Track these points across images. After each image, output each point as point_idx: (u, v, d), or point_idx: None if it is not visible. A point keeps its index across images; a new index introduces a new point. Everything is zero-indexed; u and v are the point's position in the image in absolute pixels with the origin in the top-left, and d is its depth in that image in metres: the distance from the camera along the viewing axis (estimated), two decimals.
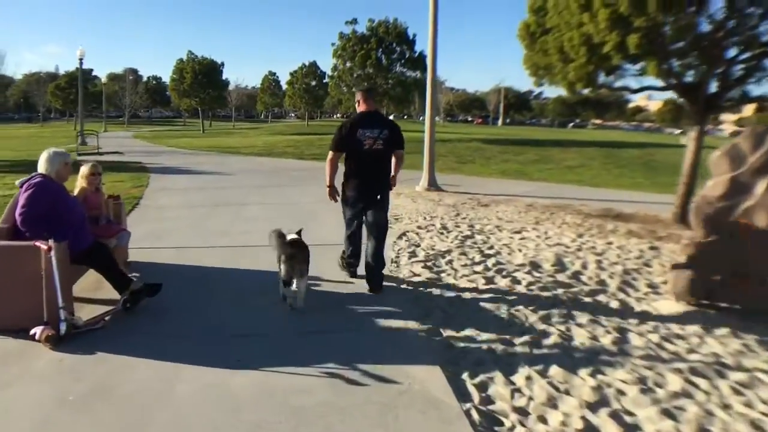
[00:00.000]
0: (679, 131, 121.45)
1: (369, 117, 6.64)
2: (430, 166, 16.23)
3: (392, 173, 6.88)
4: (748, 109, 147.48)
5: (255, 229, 10.12)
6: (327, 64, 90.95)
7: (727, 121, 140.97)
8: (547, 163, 25.12)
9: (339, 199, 6.90)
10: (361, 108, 6.76)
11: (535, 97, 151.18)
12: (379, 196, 6.70)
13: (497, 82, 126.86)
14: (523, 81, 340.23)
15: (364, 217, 6.82)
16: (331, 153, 6.67)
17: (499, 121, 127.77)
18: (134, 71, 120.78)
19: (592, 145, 34.69)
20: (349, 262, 7.19)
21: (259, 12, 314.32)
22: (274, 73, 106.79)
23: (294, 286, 5.97)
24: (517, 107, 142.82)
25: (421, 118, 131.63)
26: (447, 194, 15.27)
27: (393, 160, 6.82)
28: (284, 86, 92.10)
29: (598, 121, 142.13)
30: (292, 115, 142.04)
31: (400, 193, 14.83)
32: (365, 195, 6.68)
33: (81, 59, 38.56)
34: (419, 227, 10.72)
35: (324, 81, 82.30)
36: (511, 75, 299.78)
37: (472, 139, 36.74)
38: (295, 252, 6.00)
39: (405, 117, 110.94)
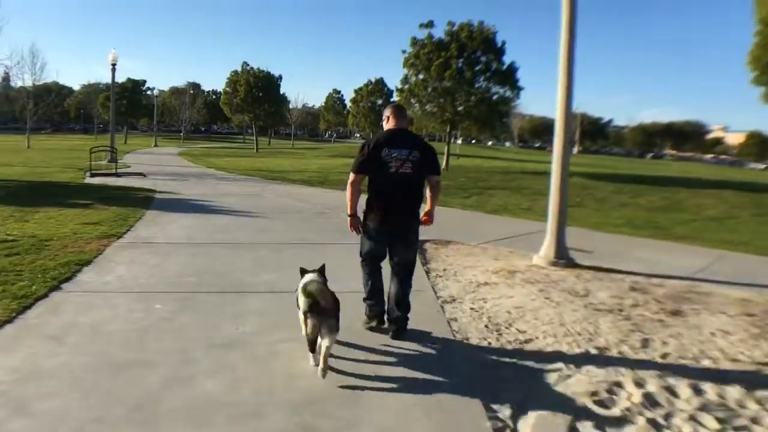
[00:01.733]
0: (764, 166, 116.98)
1: (396, 135, 5.79)
2: (559, 226, 10.13)
3: (427, 208, 5.97)
4: None
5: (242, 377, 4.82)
6: (395, 80, 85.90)
7: None
8: (680, 211, 18.93)
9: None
10: (388, 125, 5.91)
11: (606, 125, 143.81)
12: (406, 231, 5.85)
13: (572, 108, 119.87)
14: (598, 107, 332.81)
15: (388, 256, 5.94)
16: (352, 175, 5.86)
17: (575, 149, 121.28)
18: (196, 86, 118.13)
19: (712, 186, 27.98)
20: (371, 306, 6.07)
21: (328, 29, 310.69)
22: (339, 91, 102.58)
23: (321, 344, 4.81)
24: (592, 135, 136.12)
25: (501, 143, 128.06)
26: (588, 274, 9.30)
27: (428, 190, 5.92)
28: (348, 105, 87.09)
29: (672, 152, 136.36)
30: (357, 135, 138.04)
31: (514, 271, 9.20)
32: (390, 228, 5.80)
33: (114, 64, 33.67)
34: (599, 401, 4.70)
35: (391, 99, 77.29)
36: (586, 100, 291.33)
37: (570, 173, 30.28)
38: (321, 303, 4.84)
39: (473, 141, 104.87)
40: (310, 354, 5.01)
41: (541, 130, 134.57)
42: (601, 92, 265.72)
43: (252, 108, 59.22)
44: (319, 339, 4.87)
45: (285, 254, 9.69)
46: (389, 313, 5.98)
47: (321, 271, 5.49)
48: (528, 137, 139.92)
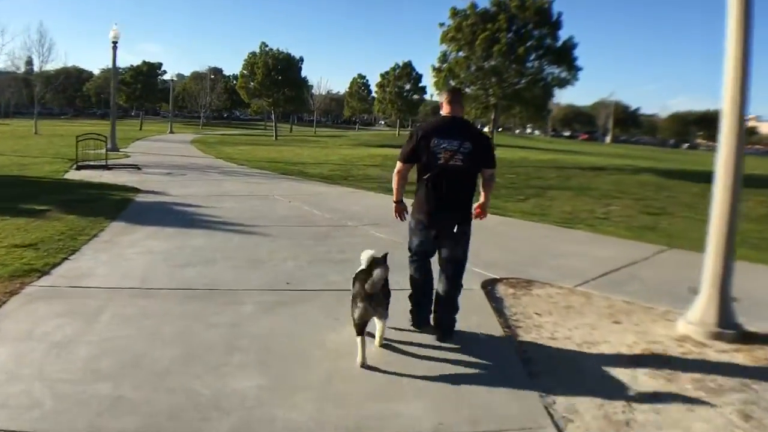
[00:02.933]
0: None
1: (448, 124, 5.52)
2: (725, 274, 6.40)
3: (481, 200, 5.79)
4: None
5: None
6: (423, 65, 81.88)
7: None
8: None
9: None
10: (443, 111, 5.64)
11: (635, 113, 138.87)
12: (456, 227, 5.50)
13: (606, 95, 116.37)
14: (628, 95, 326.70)
15: (437, 252, 5.71)
16: (399, 164, 5.73)
17: (608, 138, 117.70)
18: (217, 71, 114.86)
19: None
20: (418, 304, 5.84)
21: (355, 8, 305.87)
22: (364, 77, 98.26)
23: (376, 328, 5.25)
24: (624, 123, 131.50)
25: (530, 132, 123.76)
26: None
27: (482, 183, 5.68)
28: (374, 90, 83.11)
29: (703, 142, 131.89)
30: (382, 122, 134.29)
31: (664, 356, 5.72)
32: (438, 223, 5.55)
33: (115, 42, 30.21)
34: None
35: (420, 84, 73.35)
36: (621, 87, 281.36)
37: (635, 169, 26.23)
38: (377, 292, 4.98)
39: (499, 129, 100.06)
40: (359, 341, 4.95)
41: (572, 118, 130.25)
42: (631, 80, 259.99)
43: (270, 92, 55.09)
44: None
45: (282, 316, 6.07)
46: (435, 313, 5.76)
47: (384, 257, 5.26)
48: (558, 126, 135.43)
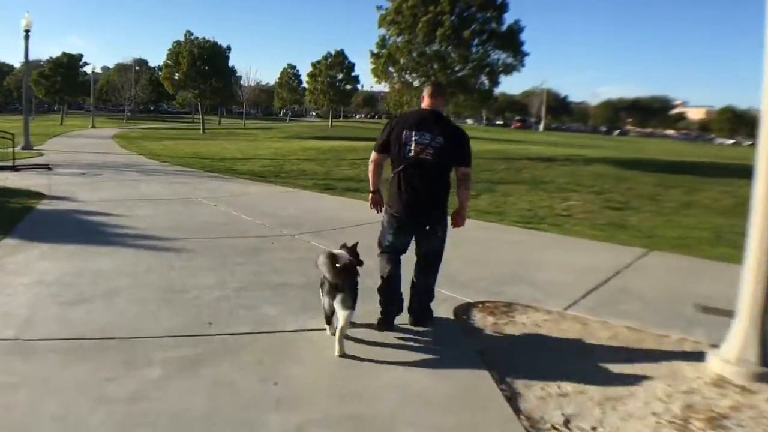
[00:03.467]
0: (732, 141, 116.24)
1: (423, 116, 5.38)
2: (767, 299, 4.98)
3: (458, 205, 5.56)
4: None
5: None
6: (356, 54, 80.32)
7: None
8: None
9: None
10: (423, 104, 5.52)
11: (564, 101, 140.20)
12: (428, 223, 5.38)
13: (537, 84, 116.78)
14: (557, 83, 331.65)
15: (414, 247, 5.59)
16: (373, 153, 5.62)
17: (541, 126, 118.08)
18: (142, 62, 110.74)
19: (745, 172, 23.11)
20: (386, 302, 5.57)
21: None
22: (294, 66, 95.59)
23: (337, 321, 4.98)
24: (556, 111, 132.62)
25: (462, 121, 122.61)
26: None
27: (457, 184, 5.41)
28: (305, 80, 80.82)
29: (633, 128, 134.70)
30: (313, 113, 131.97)
31: (710, 417, 4.23)
32: (409, 218, 5.38)
33: (27, 30, 27.65)
34: None
35: (353, 74, 71.54)
36: (552, 76, 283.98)
37: (586, 159, 25.06)
38: (342, 280, 4.86)
39: None
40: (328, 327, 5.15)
41: (505, 106, 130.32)
42: (561, 68, 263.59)
43: (196, 83, 52.28)
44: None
45: (201, 381, 4.44)
46: (410, 302, 5.69)
47: (353, 247, 5.45)
48: (490, 114, 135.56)
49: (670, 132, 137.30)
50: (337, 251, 5.16)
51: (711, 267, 8.82)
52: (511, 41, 24.34)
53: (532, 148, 32.38)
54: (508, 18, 24.82)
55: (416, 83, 25.50)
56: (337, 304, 4.88)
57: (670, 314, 6.45)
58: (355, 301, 4.98)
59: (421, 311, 5.70)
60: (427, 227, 5.43)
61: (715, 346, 5.30)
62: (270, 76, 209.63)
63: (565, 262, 8.61)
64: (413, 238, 5.58)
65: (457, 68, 24.70)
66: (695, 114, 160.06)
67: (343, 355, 4.83)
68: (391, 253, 5.60)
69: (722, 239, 11.25)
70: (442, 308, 6.09)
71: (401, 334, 5.45)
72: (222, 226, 10.02)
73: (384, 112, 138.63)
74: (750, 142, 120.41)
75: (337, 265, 4.94)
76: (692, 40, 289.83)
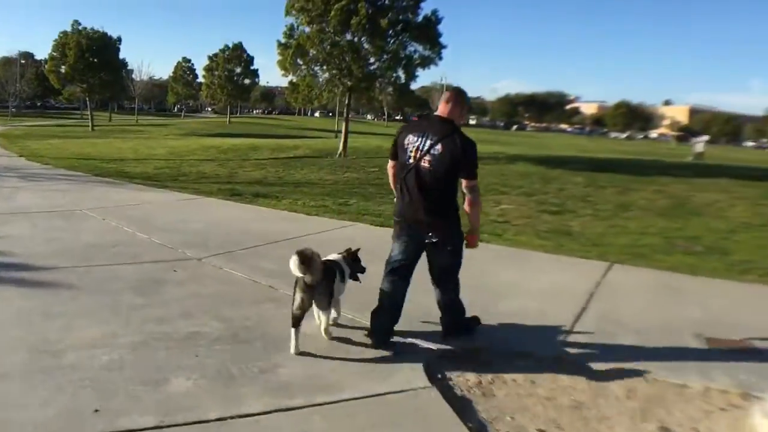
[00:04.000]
0: (625, 135, 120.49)
1: (427, 121, 5.23)
2: None
3: (470, 223, 5.22)
4: (681, 112, 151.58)
5: None
6: (255, 48, 77.99)
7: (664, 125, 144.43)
8: (699, 215, 13.45)
9: None
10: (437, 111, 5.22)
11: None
12: (433, 236, 5.05)
13: (437, 80, 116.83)
14: (464, 78, 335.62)
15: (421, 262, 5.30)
16: (389, 161, 5.50)
17: None
18: (28, 55, 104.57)
19: (659, 169, 22.73)
20: (377, 320, 5.25)
21: None
22: (189, 60, 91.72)
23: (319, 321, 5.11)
24: None
25: (362, 116, 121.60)
26: None
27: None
28: (201, 74, 77.63)
29: (530, 123, 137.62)
30: (209, 109, 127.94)
31: None
32: (408, 225, 5.15)
33: None
34: None
35: (252, 67, 69.00)
36: (452, 71, 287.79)
37: (509, 157, 24.03)
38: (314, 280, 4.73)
39: (329, 114, 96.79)
40: (293, 331, 4.80)
41: (403, 103, 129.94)
42: (459, 64, 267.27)
43: (84, 77, 48.68)
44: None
45: None
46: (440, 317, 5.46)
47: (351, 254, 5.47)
48: (390, 110, 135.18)
49: (565, 126, 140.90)
50: (308, 248, 4.78)
51: (681, 281, 7.87)
52: (428, 33, 23.00)
53: None
54: (425, 8, 23.50)
55: (326, 76, 23.89)
56: (316, 306, 4.88)
57: (674, 351, 5.41)
58: (330, 301, 4.97)
59: (452, 325, 5.44)
60: (431, 239, 5.07)
61: (751, 395, 4.47)
62: (164, 70, 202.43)
63: (526, 283, 7.39)
64: (424, 254, 5.25)
65: (372, 60, 23.20)
66: (588, 109, 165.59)
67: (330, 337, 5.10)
68: (394, 267, 5.24)
69: (674, 246, 10.40)
70: (407, 364, 4.80)
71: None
72: (112, 249, 8.11)
73: (283, 107, 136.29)
74: (642, 136, 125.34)
75: (306, 263, 4.67)
76: (586, 37, 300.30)
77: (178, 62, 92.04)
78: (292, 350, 4.79)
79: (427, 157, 4.91)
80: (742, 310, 6.72)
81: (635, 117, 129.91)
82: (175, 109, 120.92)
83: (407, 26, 22.76)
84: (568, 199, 14.46)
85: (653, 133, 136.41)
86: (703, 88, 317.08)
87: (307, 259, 4.66)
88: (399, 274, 5.22)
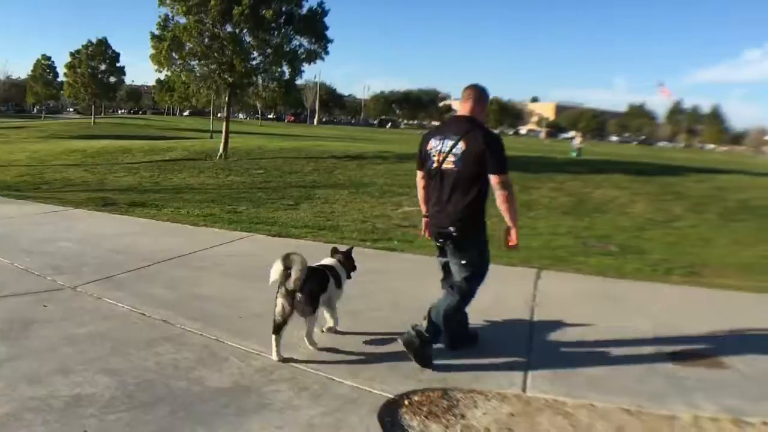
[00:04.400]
0: (497, 131, 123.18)
1: (448, 123, 5.26)
2: None
3: (507, 221, 4.75)
4: (547, 109, 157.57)
5: None
6: (120, 44, 75.35)
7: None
8: (613, 215, 13.32)
9: None
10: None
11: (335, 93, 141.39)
12: (452, 243, 4.78)
13: (310, 78, 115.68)
14: (336, 76, 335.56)
15: None
16: (417, 173, 5.15)
17: (315, 120, 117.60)
18: None
19: (557, 167, 22.78)
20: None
21: None
22: (49, 58, 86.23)
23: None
24: (327, 104, 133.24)
25: (233, 116, 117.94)
26: None
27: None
28: (63, 73, 73.03)
29: (404, 120, 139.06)
30: (71, 109, 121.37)
31: None
32: (434, 234, 4.96)
33: None
34: None
35: (118, 64, 65.50)
36: (325, 69, 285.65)
37: (398, 155, 23.15)
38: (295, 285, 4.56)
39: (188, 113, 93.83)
40: (273, 338, 4.64)
41: (288, 100, 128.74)
42: (331, 62, 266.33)
43: None
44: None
45: None
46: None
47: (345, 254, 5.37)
48: (263, 109, 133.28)
49: (437, 123, 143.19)
50: (295, 253, 4.66)
51: (616, 288, 7.39)
52: (314, 26, 21.90)
53: (329, 144, 30.07)
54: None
55: (205, 71, 22.34)
56: (299, 314, 4.69)
57: (646, 374, 4.83)
58: (314, 306, 4.77)
59: (449, 336, 5.07)
60: (448, 245, 4.84)
61: (742, 421, 4.11)
62: (22, 70, 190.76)
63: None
64: None
65: (255, 55, 21.85)
66: (458, 106, 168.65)
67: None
68: (442, 267, 5.16)
69: (589, 246, 10.03)
70: (354, 413, 3.94)
71: None
72: None
73: (151, 107, 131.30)
74: (512, 132, 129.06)
75: (289, 268, 4.57)
76: (457, 35, 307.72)
77: (38, 60, 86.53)
78: (274, 356, 4.63)
79: (450, 158, 4.66)
80: (688, 317, 6.32)
81: (506, 114, 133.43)
82: (35, 110, 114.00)
83: (292, 18, 21.60)
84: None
85: (522, 129, 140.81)
86: (568, 84, 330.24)
87: (288, 263, 4.53)
88: (444, 281, 5.14)
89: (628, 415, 4.15)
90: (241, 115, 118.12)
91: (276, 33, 21.79)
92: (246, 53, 21.83)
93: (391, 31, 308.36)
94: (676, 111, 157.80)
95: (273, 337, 4.62)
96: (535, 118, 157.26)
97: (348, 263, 5.36)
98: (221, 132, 24.45)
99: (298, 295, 4.58)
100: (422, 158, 4.95)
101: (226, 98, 24.01)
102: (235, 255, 8.07)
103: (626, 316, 6.24)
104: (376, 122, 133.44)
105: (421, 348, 4.68)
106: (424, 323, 4.75)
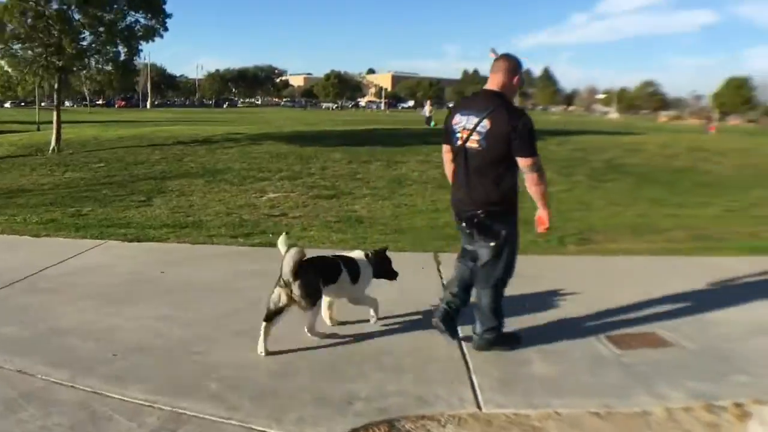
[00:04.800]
0: (335, 105, 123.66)
1: (473, 97, 4.76)
2: None
3: (538, 204, 4.50)
4: (384, 80, 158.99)
5: None
6: None
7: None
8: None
9: None
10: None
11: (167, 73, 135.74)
12: (475, 225, 4.48)
13: (139, 60, 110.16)
14: (165, 55, 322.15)
15: None
16: (443, 146, 4.84)
17: (148, 103, 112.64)
18: None
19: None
20: (444, 297, 4.92)
21: None
22: None
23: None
24: (160, 86, 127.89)
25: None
26: None
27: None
28: None
29: (241, 99, 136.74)
30: None
31: None
32: (457, 215, 4.71)
33: None
34: None
35: None
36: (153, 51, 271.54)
37: (251, 137, 21.84)
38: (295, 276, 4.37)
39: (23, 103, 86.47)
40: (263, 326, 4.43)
41: (124, 83, 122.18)
42: (160, 43, 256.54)
43: None
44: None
45: None
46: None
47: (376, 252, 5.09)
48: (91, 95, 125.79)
49: (277, 100, 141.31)
50: (295, 247, 4.52)
51: (524, 265, 6.60)
52: (153, 2, 20.03)
53: (172, 128, 27.93)
54: None
55: (30, 54, 19.94)
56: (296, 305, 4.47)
57: (594, 364, 4.46)
58: (313, 298, 4.50)
59: (479, 338, 4.68)
60: (471, 228, 4.53)
61: (714, 406, 3.87)
62: None
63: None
64: None
65: (86, 34, 19.74)
66: (297, 81, 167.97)
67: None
68: (461, 253, 4.91)
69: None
70: None
71: None
72: None
73: None
74: (351, 105, 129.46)
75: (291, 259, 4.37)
76: (288, 9, 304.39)
77: None
78: (260, 350, 4.43)
79: (475, 136, 4.36)
80: (608, 291, 6.08)
81: (345, 86, 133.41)
82: None
83: None
84: (338, 179, 13.23)
85: (362, 102, 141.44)
86: (403, 55, 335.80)
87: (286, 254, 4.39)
88: (462, 262, 4.85)
89: (599, 420, 3.73)
90: (67, 103, 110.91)
91: (108, 9, 19.65)
92: (75, 33, 19.60)
93: (220, 5, 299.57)
94: None
95: (263, 324, 4.43)
96: (373, 90, 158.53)
97: (377, 259, 5.03)
98: (51, 123, 22.15)
99: (294, 286, 4.38)
100: (448, 133, 4.65)
101: (56, 85, 21.61)
102: (90, 269, 6.86)
103: (548, 297, 5.89)
104: (211, 102, 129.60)
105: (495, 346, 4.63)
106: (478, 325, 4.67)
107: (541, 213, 4.49)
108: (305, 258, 4.50)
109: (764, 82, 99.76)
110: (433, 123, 32.83)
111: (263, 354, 4.38)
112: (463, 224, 4.57)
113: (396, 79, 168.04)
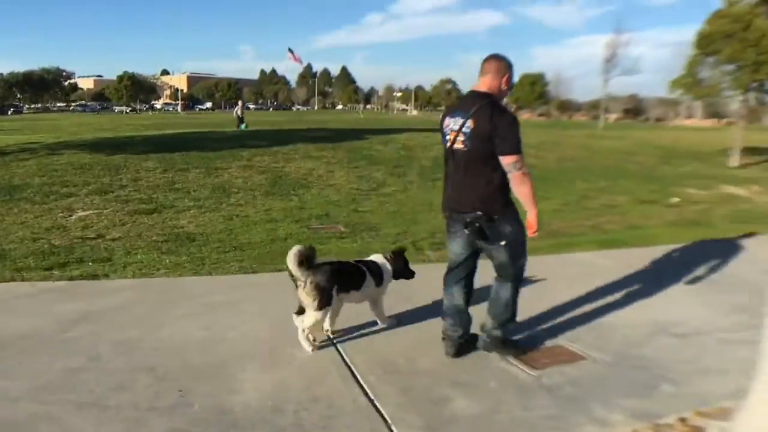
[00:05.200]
0: (130, 109, 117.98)
1: (462, 99, 4.75)
2: None
3: (527, 209, 4.37)
4: (180, 81, 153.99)
5: None
6: None
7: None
8: (319, 189, 12.64)
9: None
10: None
11: None
12: (474, 231, 4.34)
13: None
14: None
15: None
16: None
17: None
18: None
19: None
20: (445, 326, 4.71)
21: None
22: None
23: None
24: None
25: None
26: None
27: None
28: None
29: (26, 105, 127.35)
30: None
31: None
32: (449, 219, 4.66)
33: None
34: None
35: None
36: None
37: (46, 146, 19.29)
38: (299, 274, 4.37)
39: None
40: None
41: None
42: None
43: None
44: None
45: None
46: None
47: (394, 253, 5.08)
48: None
49: (65, 105, 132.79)
50: (302, 247, 4.39)
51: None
52: None
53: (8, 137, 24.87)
54: None
55: None
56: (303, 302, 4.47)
57: (517, 391, 4.07)
58: (323, 301, 4.39)
59: (489, 335, 4.64)
60: (472, 230, 4.30)
61: (659, 425, 3.63)
62: None
63: (214, 344, 5.07)
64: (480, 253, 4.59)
65: None
66: (86, 84, 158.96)
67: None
68: (450, 266, 4.67)
69: (316, 231, 9.35)
70: None
71: None
72: None
73: None
74: (147, 108, 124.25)
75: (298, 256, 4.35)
76: (72, 8, 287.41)
77: None
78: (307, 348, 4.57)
79: (460, 137, 4.34)
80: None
81: (139, 88, 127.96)
82: None
83: None
84: (155, 191, 12.01)
85: (158, 104, 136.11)
86: (197, 56, 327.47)
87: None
88: (453, 275, 4.65)
89: None
90: None
91: None
92: None
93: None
94: (307, 75, 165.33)
95: (294, 317, 4.64)
96: (168, 92, 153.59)
97: (396, 260, 5.02)
98: None
99: (303, 286, 4.38)
100: (442, 135, 4.61)
101: None
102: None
103: (424, 314, 5.38)
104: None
105: (504, 346, 4.64)
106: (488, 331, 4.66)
107: (530, 216, 4.35)
108: (315, 256, 4.47)
109: (557, 78, 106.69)
110: (244, 125, 31.41)
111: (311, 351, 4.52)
112: (466, 231, 4.38)
113: (192, 80, 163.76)
